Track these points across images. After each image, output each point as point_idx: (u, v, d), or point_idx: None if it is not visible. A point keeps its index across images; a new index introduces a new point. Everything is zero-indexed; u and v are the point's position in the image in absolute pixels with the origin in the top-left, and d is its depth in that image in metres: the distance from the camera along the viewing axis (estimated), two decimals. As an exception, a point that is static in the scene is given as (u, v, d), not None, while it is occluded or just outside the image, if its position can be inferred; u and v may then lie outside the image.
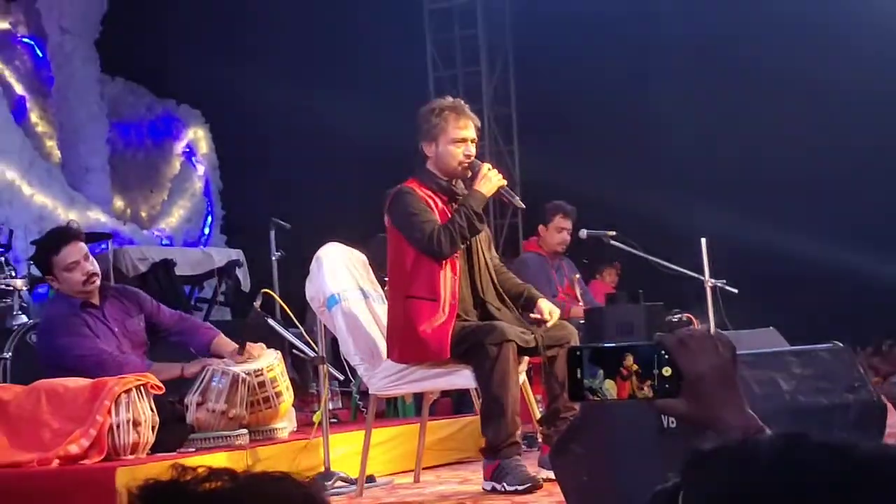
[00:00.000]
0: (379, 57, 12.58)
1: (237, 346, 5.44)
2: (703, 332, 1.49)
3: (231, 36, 13.19)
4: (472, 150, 5.02)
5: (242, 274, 11.55)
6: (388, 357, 5.00)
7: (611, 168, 11.72)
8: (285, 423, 5.57)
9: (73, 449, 4.64)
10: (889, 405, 4.86)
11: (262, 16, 13.23)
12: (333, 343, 5.67)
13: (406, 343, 4.90)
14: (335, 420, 6.54)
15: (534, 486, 4.72)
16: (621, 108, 12.18)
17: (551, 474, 4.40)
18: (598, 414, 3.70)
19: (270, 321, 5.60)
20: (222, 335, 5.56)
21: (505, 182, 5.03)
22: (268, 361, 5.39)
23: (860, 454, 1.00)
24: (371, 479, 5.29)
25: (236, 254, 11.78)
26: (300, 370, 8.12)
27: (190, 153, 14.34)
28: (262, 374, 5.29)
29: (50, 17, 13.09)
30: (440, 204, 4.99)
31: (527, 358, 5.12)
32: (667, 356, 1.45)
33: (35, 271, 6.58)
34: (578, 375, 1.48)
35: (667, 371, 1.45)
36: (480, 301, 5.04)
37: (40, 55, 13.31)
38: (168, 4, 13.31)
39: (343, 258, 5.30)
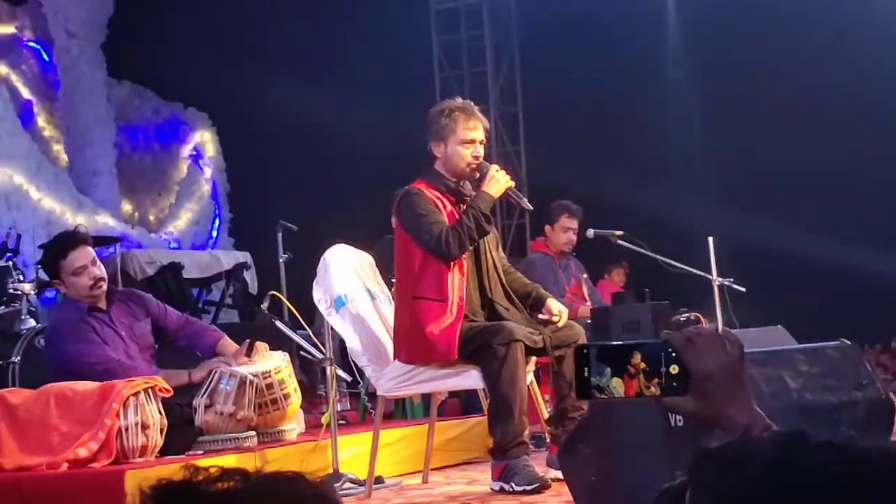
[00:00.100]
0: (386, 58, 12.59)
1: (241, 347, 5.44)
2: (710, 331, 1.49)
3: (237, 39, 13.19)
4: (481, 151, 5.02)
5: (250, 276, 11.54)
6: (395, 358, 5.00)
7: (617, 167, 11.71)
8: (293, 425, 5.57)
9: (82, 452, 4.65)
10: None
11: (269, 19, 13.24)
12: (341, 345, 5.68)
13: (414, 344, 4.90)
14: (343, 421, 6.54)
15: (542, 486, 4.72)
16: (627, 107, 12.18)
17: (559, 474, 4.41)
18: (605, 414, 3.70)
19: (278, 323, 5.61)
20: (227, 337, 5.56)
21: (513, 183, 5.04)
22: (275, 363, 5.39)
23: (859, 453, 1.00)
24: (380, 480, 5.29)
25: (244, 256, 11.77)
26: (308, 372, 8.13)
27: (197, 156, 14.36)
28: (270, 376, 5.29)
29: (56, 21, 13.10)
30: (448, 205, 4.99)
31: (534, 358, 5.12)
32: (674, 354, 1.44)
33: (43, 275, 6.58)
34: (586, 373, 1.48)
35: (674, 369, 1.44)
36: (489, 301, 5.03)
37: (47, 59, 13.32)
38: (174, 7, 13.31)
39: (350, 260, 5.31)
